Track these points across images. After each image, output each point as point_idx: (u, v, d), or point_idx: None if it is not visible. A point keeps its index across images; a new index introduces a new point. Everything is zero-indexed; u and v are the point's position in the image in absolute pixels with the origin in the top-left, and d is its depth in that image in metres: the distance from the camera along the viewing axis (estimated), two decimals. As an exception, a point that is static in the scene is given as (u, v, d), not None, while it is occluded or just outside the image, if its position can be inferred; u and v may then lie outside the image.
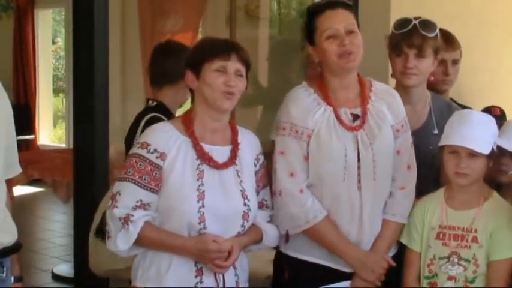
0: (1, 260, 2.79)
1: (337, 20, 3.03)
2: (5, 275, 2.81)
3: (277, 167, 3.05)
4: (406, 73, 3.34)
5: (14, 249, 2.85)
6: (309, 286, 3.05)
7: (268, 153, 3.15)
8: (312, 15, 3.09)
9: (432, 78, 3.52)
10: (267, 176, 3.10)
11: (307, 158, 3.04)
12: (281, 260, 3.19)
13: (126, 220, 2.80)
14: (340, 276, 3.08)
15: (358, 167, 3.02)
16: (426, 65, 3.35)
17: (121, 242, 2.82)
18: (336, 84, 3.10)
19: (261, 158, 3.08)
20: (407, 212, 3.14)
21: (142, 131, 3.58)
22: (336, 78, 3.09)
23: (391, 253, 3.16)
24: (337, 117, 3.05)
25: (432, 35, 3.33)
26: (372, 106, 3.11)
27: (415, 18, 3.34)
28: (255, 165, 3.04)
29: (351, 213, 3.04)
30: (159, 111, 3.65)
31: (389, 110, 3.13)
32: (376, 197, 3.07)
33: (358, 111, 3.09)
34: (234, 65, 2.88)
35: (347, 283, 3.09)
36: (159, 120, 3.48)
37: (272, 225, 3.06)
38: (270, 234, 3.05)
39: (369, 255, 3.07)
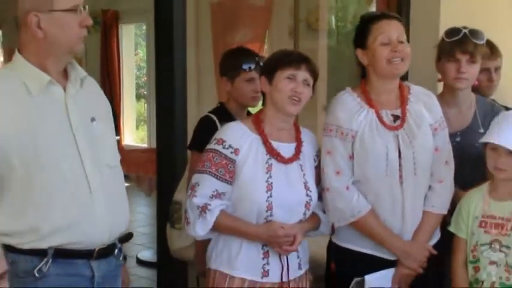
0: (120, 246, 2.72)
1: (392, 28, 3.06)
2: (121, 259, 2.75)
3: (325, 165, 3.07)
4: (458, 78, 3.34)
5: (129, 235, 2.82)
6: (355, 273, 3.06)
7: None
8: (368, 21, 3.11)
9: (477, 82, 3.51)
10: None
11: (352, 157, 3.05)
12: (331, 248, 3.24)
13: (203, 209, 2.88)
14: (384, 263, 3.10)
15: (400, 164, 3.02)
16: (476, 70, 3.37)
17: (199, 228, 2.90)
18: (380, 87, 3.11)
19: (319, 155, 3.12)
20: (447, 204, 3.15)
21: (197, 129, 3.60)
22: (381, 82, 3.10)
23: (434, 241, 3.16)
24: (380, 118, 3.06)
25: (482, 42, 3.34)
26: (411, 107, 3.11)
27: (464, 28, 3.35)
28: (315, 161, 3.10)
29: (393, 206, 3.04)
30: (215, 112, 3.62)
31: (426, 109, 3.13)
32: (416, 190, 3.06)
33: (398, 112, 3.10)
34: (303, 74, 2.94)
35: (391, 270, 3.10)
36: (208, 119, 3.53)
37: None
38: (326, 223, 3.12)
39: (412, 245, 3.08)
